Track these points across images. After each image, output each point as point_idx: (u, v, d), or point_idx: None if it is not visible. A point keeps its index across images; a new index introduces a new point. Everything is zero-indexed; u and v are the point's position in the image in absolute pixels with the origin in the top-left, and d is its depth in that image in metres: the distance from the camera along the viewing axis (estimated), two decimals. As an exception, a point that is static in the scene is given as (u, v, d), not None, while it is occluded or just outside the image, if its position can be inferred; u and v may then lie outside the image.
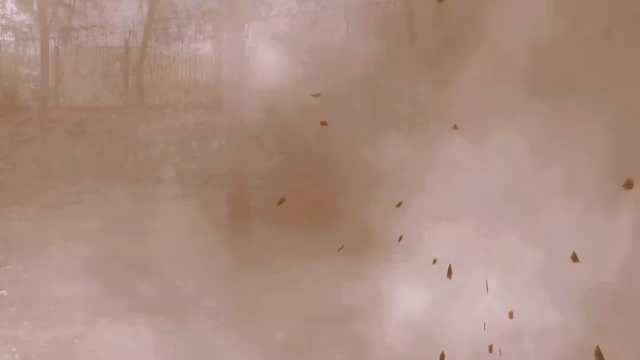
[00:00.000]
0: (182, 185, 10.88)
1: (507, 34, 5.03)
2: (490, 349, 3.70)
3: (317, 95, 4.55)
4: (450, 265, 3.73)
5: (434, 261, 3.87)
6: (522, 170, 4.70)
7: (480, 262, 4.38)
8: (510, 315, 3.82)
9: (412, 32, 10.55)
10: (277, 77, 13.41)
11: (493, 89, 4.99)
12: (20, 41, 16.99)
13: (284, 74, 7.84)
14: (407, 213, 4.30)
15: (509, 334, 4.09)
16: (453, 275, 3.74)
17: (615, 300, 4.59)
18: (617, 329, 4.53)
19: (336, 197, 7.25)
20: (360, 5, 12.98)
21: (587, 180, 4.65)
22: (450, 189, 4.86)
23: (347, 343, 4.97)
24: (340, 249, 4.43)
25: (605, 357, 2.95)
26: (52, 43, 15.33)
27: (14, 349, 4.55)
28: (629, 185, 3.07)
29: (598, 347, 2.95)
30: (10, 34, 16.69)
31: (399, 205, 4.19)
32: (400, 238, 4.05)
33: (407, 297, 4.58)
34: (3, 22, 15.85)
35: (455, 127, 4.25)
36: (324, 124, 4.20)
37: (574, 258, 3.37)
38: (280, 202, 4.41)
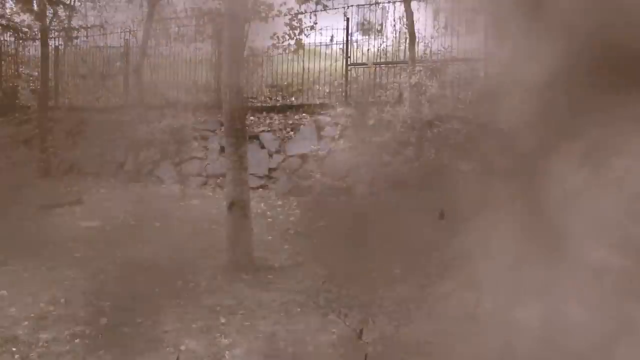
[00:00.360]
0: (182, 185, 10.90)
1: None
2: None
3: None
4: None
5: None
6: None
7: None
8: None
9: (412, 32, 10.57)
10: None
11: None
12: (20, 41, 16.99)
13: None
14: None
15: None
16: None
17: None
18: None
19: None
20: (360, 5, 13.02)
21: None
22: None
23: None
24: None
25: None
26: (52, 43, 15.34)
27: (14, 349, 4.55)
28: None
29: None
30: (10, 34, 16.70)
31: None
32: None
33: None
34: (3, 22, 15.84)
35: None
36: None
37: None
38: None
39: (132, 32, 14.93)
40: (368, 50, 12.83)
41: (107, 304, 5.43)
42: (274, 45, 13.32)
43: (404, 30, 11.86)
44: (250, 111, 12.39)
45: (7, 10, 15.84)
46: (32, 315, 5.20)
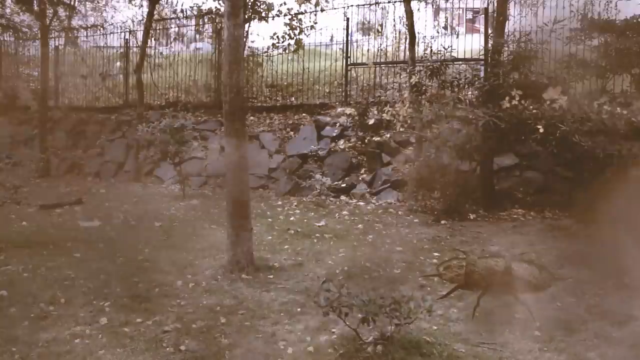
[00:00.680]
0: (182, 185, 10.91)
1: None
2: None
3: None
4: None
5: None
6: None
7: None
8: None
9: (412, 32, 10.57)
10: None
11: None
12: (20, 41, 17.01)
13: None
14: None
15: None
16: None
17: None
18: None
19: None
20: (360, 5, 13.02)
21: None
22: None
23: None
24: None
25: None
26: (52, 43, 15.34)
27: (14, 349, 4.55)
28: None
29: None
30: (10, 34, 16.70)
31: None
32: None
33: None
34: (3, 22, 15.84)
35: None
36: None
37: None
38: None
39: (132, 32, 14.93)
40: (368, 50, 12.84)
41: (107, 303, 5.43)
42: (274, 45, 13.34)
43: (404, 30, 11.87)
44: (250, 111, 12.39)
45: (7, 10, 15.84)
46: (32, 315, 5.20)
